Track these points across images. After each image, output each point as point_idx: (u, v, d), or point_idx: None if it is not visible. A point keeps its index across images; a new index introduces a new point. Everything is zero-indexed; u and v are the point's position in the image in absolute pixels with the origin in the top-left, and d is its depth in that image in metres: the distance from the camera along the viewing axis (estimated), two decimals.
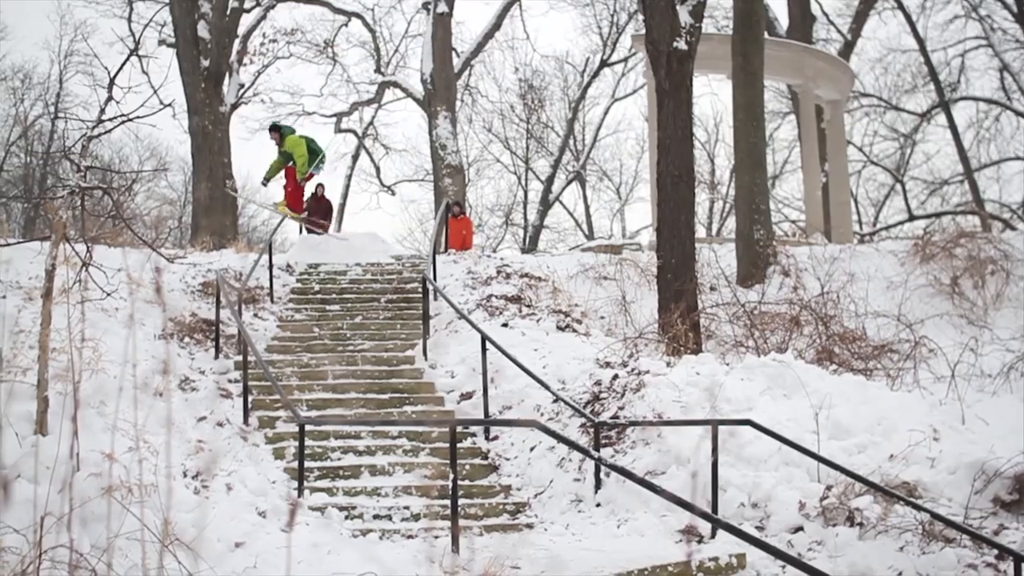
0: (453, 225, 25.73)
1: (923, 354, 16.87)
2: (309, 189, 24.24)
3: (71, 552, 4.88)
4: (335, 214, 34.05)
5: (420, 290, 17.63)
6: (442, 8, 33.79)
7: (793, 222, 45.75)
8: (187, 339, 16.04)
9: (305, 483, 11.60)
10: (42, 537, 5.28)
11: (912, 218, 48.13)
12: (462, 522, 10.52)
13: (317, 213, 26.34)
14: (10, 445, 9.27)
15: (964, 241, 21.58)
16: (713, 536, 10.57)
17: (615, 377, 14.08)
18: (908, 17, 43.53)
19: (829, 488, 11.21)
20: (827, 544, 10.48)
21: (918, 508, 10.39)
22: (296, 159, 22.30)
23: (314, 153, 22.67)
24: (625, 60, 52.38)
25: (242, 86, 34.27)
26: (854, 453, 11.95)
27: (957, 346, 16.41)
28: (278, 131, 22.95)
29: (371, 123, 48.75)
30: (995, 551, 9.82)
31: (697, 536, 10.67)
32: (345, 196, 50.41)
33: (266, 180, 23.55)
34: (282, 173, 23.07)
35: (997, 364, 16.11)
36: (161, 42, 35.69)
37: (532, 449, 13.27)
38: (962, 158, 44.20)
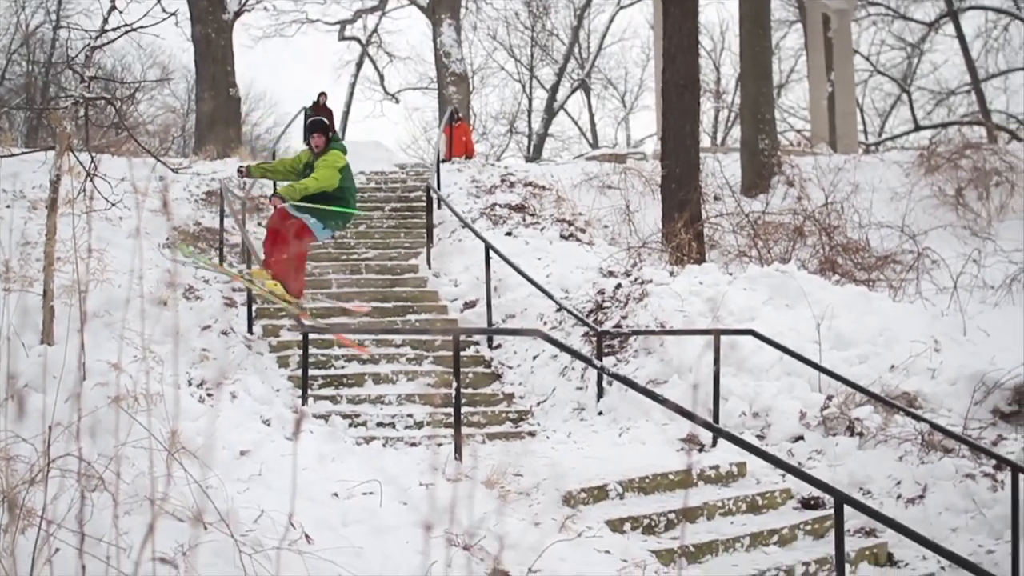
0: (453, 133, 25.62)
1: (926, 265, 16.91)
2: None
3: (79, 461, 4.95)
4: (338, 122, 33.85)
5: (424, 199, 17.61)
6: None
7: (798, 132, 45.61)
8: (191, 248, 16.07)
9: (309, 391, 11.61)
10: (50, 446, 5.34)
11: (918, 128, 47.95)
12: (465, 430, 10.59)
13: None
14: (17, 355, 9.33)
15: (969, 152, 21.53)
16: (714, 445, 10.66)
17: (618, 286, 14.12)
18: None
19: (830, 398, 11.29)
20: (827, 453, 10.59)
21: (918, 418, 10.47)
22: (323, 177, 12.34)
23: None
24: None
25: None
26: (855, 363, 12.01)
27: (960, 257, 16.44)
28: (325, 135, 12.75)
29: (375, 31, 48.46)
30: (993, 461, 9.91)
31: (698, 445, 10.75)
32: (349, 104, 50.24)
33: (254, 173, 13.29)
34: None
35: (1000, 276, 16.13)
36: None
37: (535, 358, 13.34)
38: (969, 68, 43.92)
